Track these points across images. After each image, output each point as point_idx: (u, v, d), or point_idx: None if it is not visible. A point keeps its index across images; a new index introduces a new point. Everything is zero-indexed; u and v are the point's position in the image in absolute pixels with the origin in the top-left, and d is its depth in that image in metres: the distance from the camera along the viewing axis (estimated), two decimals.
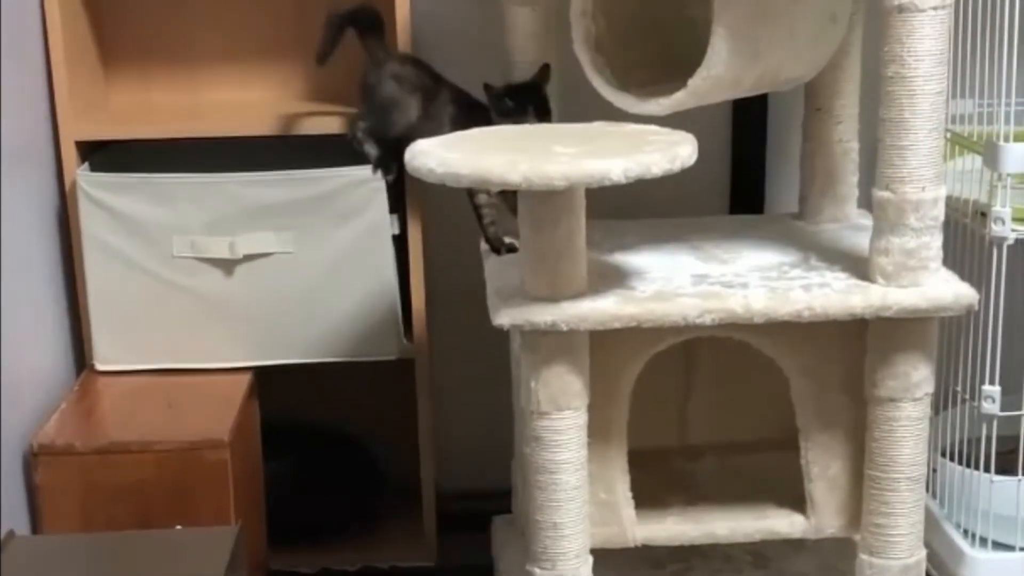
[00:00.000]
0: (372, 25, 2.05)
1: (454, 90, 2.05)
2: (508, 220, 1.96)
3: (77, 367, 2.19)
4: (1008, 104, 1.92)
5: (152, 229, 2.09)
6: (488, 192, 1.95)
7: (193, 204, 2.08)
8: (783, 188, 2.40)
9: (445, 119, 2.00)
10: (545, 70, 1.97)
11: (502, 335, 1.77)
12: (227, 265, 2.10)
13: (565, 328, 1.70)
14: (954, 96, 2.02)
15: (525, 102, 1.95)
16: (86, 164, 2.12)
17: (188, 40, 2.33)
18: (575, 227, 1.70)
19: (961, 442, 2.14)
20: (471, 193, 1.96)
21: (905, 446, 1.78)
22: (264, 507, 2.19)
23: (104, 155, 2.18)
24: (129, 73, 2.33)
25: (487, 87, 1.96)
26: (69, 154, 2.12)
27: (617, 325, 1.71)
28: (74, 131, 2.12)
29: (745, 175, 2.41)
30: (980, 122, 2.04)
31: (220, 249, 2.09)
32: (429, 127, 1.94)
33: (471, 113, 1.98)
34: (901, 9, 1.64)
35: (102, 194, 2.07)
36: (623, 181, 1.59)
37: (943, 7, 1.65)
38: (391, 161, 2.04)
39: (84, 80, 2.20)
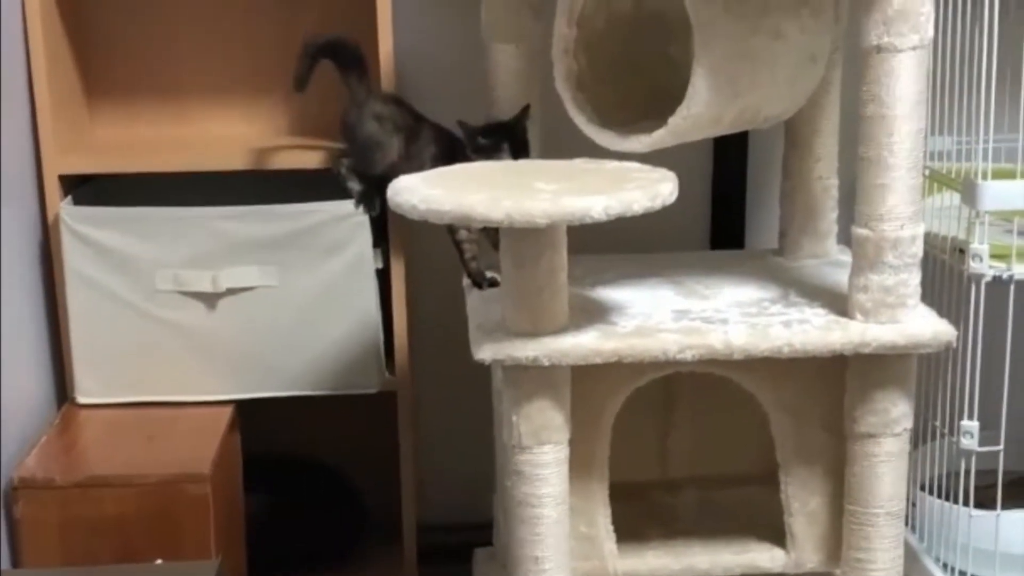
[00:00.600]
0: (353, 62, 2.06)
1: (436, 129, 2.06)
2: (490, 254, 1.97)
3: (58, 400, 2.18)
4: (986, 141, 1.93)
5: (135, 263, 2.09)
6: (468, 228, 1.96)
7: (176, 238, 2.08)
8: (763, 224, 2.41)
9: (426, 158, 2.01)
10: (525, 111, 1.98)
11: (484, 368, 1.77)
12: (210, 299, 2.10)
13: (547, 363, 1.70)
14: (932, 133, 2.04)
15: (499, 140, 1.96)
16: (69, 198, 2.12)
17: (172, 74, 2.33)
18: (557, 263, 1.71)
19: (940, 476, 2.14)
20: (452, 229, 1.96)
21: (884, 481, 1.79)
22: (245, 540, 2.18)
23: (88, 189, 2.18)
24: (113, 107, 2.33)
25: (461, 124, 1.97)
26: (52, 188, 2.12)
27: (598, 360, 1.72)
28: (58, 165, 2.12)
29: (725, 211, 2.42)
30: (958, 159, 2.05)
31: (203, 283, 2.09)
32: (411, 167, 1.94)
33: (453, 152, 1.99)
34: (879, 49, 1.66)
35: (85, 228, 2.07)
36: (604, 219, 1.60)
37: (921, 47, 1.67)
38: (374, 196, 2.05)
39: (68, 113, 2.20)
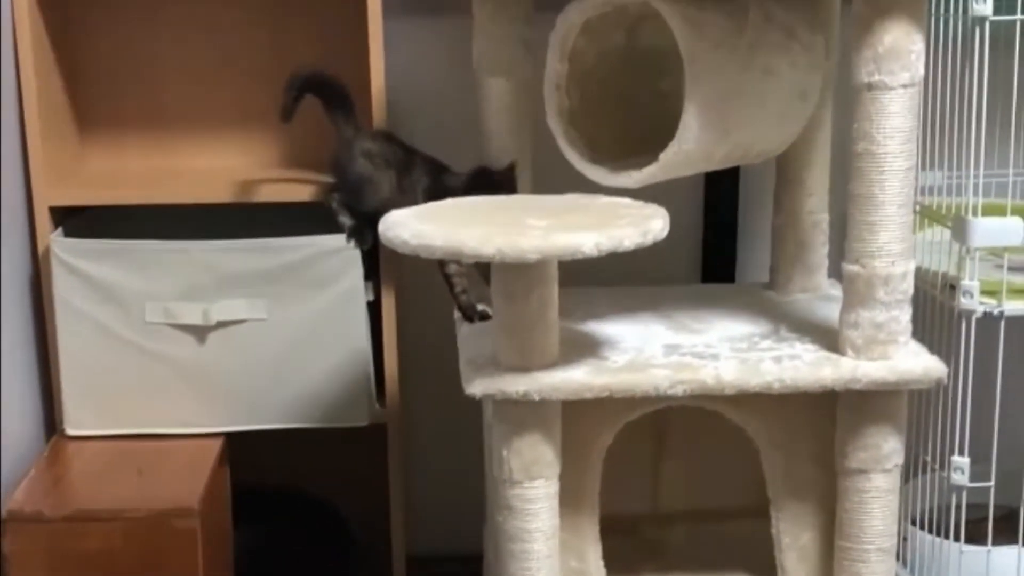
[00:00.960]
0: (338, 99, 2.06)
1: (427, 160, 2.06)
2: (481, 287, 1.96)
3: (47, 432, 2.17)
4: (976, 176, 1.94)
5: (125, 295, 2.08)
6: (458, 261, 1.95)
7: (166, 271, 2.07)
8: (754, 257, 2.42)
9: (419, 191, 2.01)
10: (511, 169, 1.99)
11: (475, 401, 1.77)
12: (200, 332, 2.10)
13: (537, 398, 1.70)
14: (923, 167, 2.04)
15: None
16: (60, 229, 2.12)
17: (164, 106, 2.33)
18: (548, 298, 1.71)
19: (931, 509, 2.14)
20: (441, 263, 1.96)
21: (875, 517, 1.79)
22: (234, 573, 2.17)
23: (79, 220, 2.18)
24: (104, 138, 2.33)
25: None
26: (43, 219, 2.11)
27: (589, 395, 1.72)
28: (48, 196, 2.11)
29: (717, 244, 2.43)
30: (949, 193, 2.05)
31: (193, 316, 2.08)
32: (404, 200, 1.94)
33: (445, 183, 1.99)
34: (871, 87, 1.67)
35: (75, 260, 2.07)
36: (595, 255, 1.60)
37: (912, 85, 1.67)
38: (366, 230, 2.04)
39: (59, 145, 2.20)
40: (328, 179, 2.11)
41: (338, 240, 2.08)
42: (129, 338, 2.10)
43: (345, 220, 2.07)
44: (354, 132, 2.07)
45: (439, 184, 1.98)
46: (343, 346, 2.12)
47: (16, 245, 2.10)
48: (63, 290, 2.08)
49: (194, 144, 2.34)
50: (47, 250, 2.09)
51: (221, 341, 2.11)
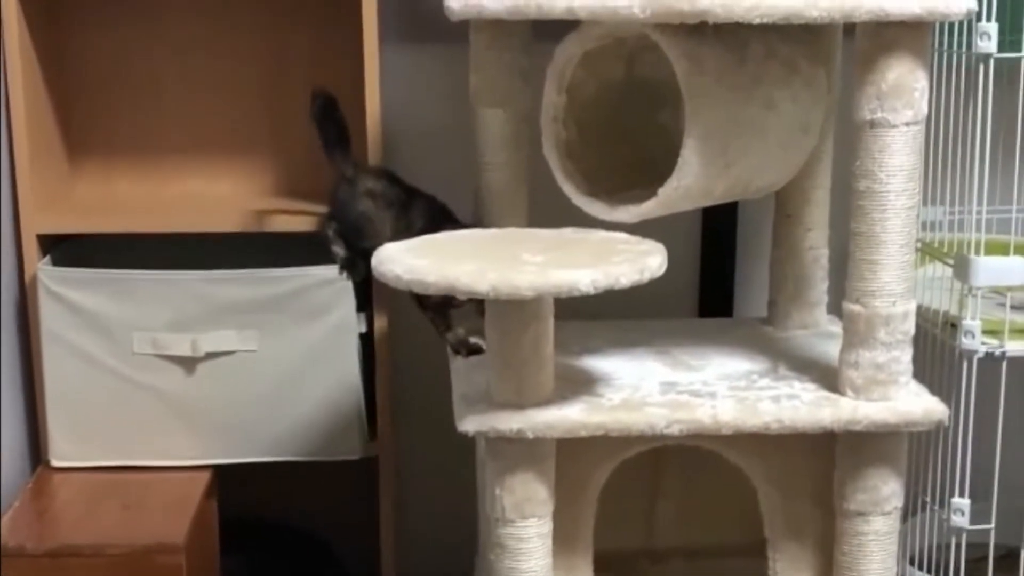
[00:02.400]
0: (339, 134, 2.03)
1: (426, 200, 2.03)
2: (474, 319, 1.94)
3: (33, 463, 2.15)
4: (979, 212, 1.92)
5: (113, 325, 2.06)
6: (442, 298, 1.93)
7: (155, 301, 2.05)
8: (752, 292, 2.39)
9: (415, 232, 1.98)
10: None
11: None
12: (189, 363, 2.07)
13: (531, 436, 1.68)
14: (924, 203, 2.02)
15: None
16: (47, 258, 2.09)
17: (155, 133, 2.31)
18: (543, 334, 1.69)
19: (930, 548, 2.12)
20: (421, 304, 1.93)
21: (874, 560, 1.76)
22: None
23: (68, 247, 2.16)
24: (95, 165, 2.31)
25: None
26: (30, 247, 2.09)
27: (584, 434, 1.70)
28: (36, 224, 2.09)
29: (714, 278, 2.41)
30: (950, 229, 2.03)
31: (182, 347, 2.06)
32: (402, 239, 1.92)
33: (443, 225, 1.96)
34: (873, 124, 1.65)
35: (62, 289, 2.05)
36: (591, 292, 1.58)
37: (915, 123, 1.65)
38: (359, 262, 2.02)
39: (48, 172, 2.18)
40: (321, 210, 2.08)
41: (330, 271, 2.05)
42: (116, 369, 2.07)
43: (339, 251, 2.04)
44: (354, 170, 2.04)
45: (435, 225, 1.95)
46: (334, 378, 2.10)
47: (3, 273, 2.07)
48: (49, 319, 2.06)
49: (185, 172, 2.32)
50: (34, 278, 2.07)
51: (210, 372, 2.08)
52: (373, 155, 2.13)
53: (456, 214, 2.01)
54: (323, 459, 2.14)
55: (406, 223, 1.99)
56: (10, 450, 2.08)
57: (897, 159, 1.65)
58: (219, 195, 2.31)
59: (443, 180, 2.06)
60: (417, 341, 2.27)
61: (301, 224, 2.11)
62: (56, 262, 2.10)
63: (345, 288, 2.06)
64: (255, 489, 2.23)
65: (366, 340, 2.15)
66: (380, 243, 1.92)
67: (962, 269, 1.93)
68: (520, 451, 1.69)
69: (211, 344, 2.06)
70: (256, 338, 2.07)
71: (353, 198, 2.02)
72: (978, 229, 1.93)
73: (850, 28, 1.69)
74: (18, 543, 1.88)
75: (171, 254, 2.12)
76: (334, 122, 2.02)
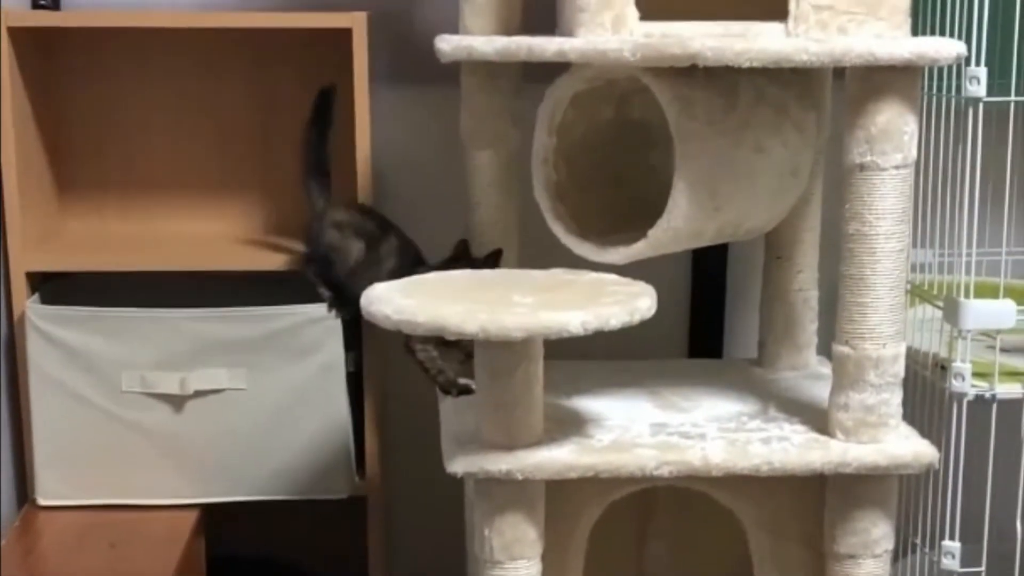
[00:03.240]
0: (319, 167, 2.04)
1: (402, 241, 2.04)
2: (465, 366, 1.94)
3: (19, 500, 2.13)
4: (968, 255, 1.92)
5: (101, 363, 2.05)
6: (424, 344, 1.93)
7: (144, 339, 2.04)
8: (742, 332, 2.39)
9: (384, 270, 1.98)
10: (497, 256, 1.97)
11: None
12: (177, 401, 2.06)
13: (520, 477, 1.67)
14: (914, 245, 2.02)
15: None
16: (36, 295, 2.09)
17: (145, 171, 2.30)
18: (532, 376, 1.68)
19: None
20: (408, 347, 1.93)
21: None
22: None
23: (56, 285, 2.15)
24: (84, 203, 2.31)
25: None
26: (19, 285, 2.08)
27: (574, 475, 1.69)
28: (25, 261, 2.09)
29: (704, 318, 2.40)
30: (940, 271, 2.03)
31: (170, 385, 2.05)
32: (369, 273, 1.93)
33: (415, 269, 1.96)
34: (863, 168, 1.65)
35: (50, 327, 2.04)
36: (581, 333, 1.57)
37: (905, 166, 1.65)
38: (347, 300, 2.02)
39: (38, 209, 2.18)
40: (302, 250, 2.08)
41: (319, 309, 2.05)
42: (104, 407, 2.06)
43: (324, 291, 2.04)
44: (325, 203, 2.06)
45: (407, 272, 1.93)
46: (323, 416, 2.09)
47: None
48: (37, 357, 2.05)
49: (175, 210, 2.31)
50: (23, 316, 2.06)
51: (199, 411, 2.07)
52: (363, 195, 2.12)
53: (428, 258, 2.03)
54: (311, 498, 2.12)
55: (376, 256, 2.00)
56: None
57: (887, 202, 1.65)
58: (208, 233, 2.30)
59: (433, 220, 2.06)
60: (406, 379, 2.27)
61: (289, 262, 2.11)
62: (45, 300, 2.09)
63: (333, 327, 2.06)
64: (243, 527, 2.22)
65: (355, 379, 2.15)
66: (348, 274, 1.93)
67: (952, 312, 1.93)
68: (509, 492, 1.68)
69: (200, 382, 2.05)
70: (245, 376, 2.06)
71: (320, 232, 2.04)
72: (968, 272, 1.92)
73: (840, 71, 1.69)
74: None
75: (160, 292, 2.11)
76: (320, 149, 2.05)
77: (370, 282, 1.73)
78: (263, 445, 2.10)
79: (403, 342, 1.91)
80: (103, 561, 1.95)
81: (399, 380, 2.30)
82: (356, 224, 2.04)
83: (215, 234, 2.30)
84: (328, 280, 2.05)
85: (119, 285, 2.15)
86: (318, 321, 2.05)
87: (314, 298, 2.06)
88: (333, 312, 2.04)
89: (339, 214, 2.05)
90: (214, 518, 2.14)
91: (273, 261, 2.13)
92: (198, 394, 2.06)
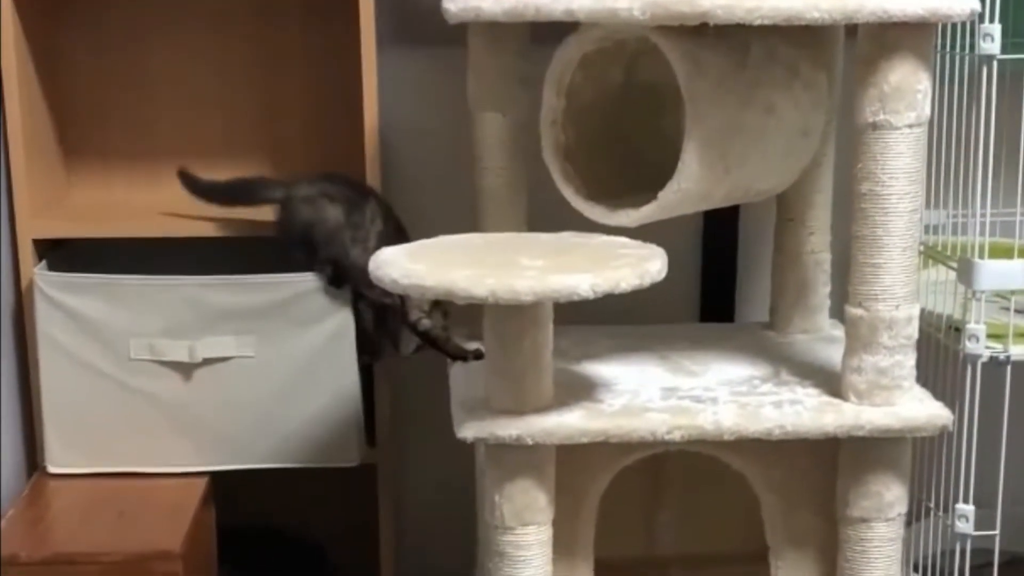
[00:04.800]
0: (244, 188, 2.07)
1: (383, 204, 2.03)
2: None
3: (29, 469, 2.13)
4: (983, 215, 1.90)
5: (109, 331, 2.03)
6: (420, 307, 1.92)
7: (152, 307, 2.03)
8: (753, 296, 2.38)
9: (372, 233, 1.97)
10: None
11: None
12: (185, 369, 2.05)
13: (531, 443, 1.66)
14: (927, 207, 2.01)
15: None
16: (44, 262, 2.08)
17: (152, 138, 2.29)
18: (542, 340, 1.68)
19: (934, 555, 2.10)
20: (412, 324, 1.92)
21: (877, 567, 1.75)
22: None
23: (64, 252, 2.14)
24: (91, 170, 2.29)
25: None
26: (26, 252, 2.07)
27: (584, 440, 1.68)
28: (32, 228, 2.08)
29: (715, 283, 2.39)
30: (953, 232, 2.02)
31: (179, 353, 2.04)
32: (357, 237, 1.94)
33: (399, 235, 1.95)
34: (875, 127, 1.63)
35: (59, 294, 2.03)
36: (591, 297, 1.57)
37: (918, 125, 1.64)
38: (346, 272, 2.00)
39: (44, 177, 2.16)
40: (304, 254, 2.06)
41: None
42: (113, 375, 2.05)
43: (321, 273, 2.02)
44: (285, 189, 2.04)
45: (395, 239, 1.91)
46: (332, 385, 2.08)
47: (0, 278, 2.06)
48: (45, 324, 2.04)
49: None
50: (31, 283, 2.05)
51: (207, 379, 2.06)
52: (370, 160, 2.11)
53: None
54: (320, 466, 2.12)
55: (359, 218, 1.97)
56: (6, 457, 2.06)
57: (900, 161, 1.64)
58: None
59: (441, 184, 2.04)
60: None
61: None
62: (52, 267, 2.08)
63: (341, 295, 2.04)
64: (253, 496, 2.21)
65: None
66: (330, 239, 1.91)
67: (966, 273, 1.92)
68: (520, 458, 1.68)
69: (208, 350, 2.04)
70: (253, 344, 2.05)
71: (291, 215, 2.02)
72: (982, 232, 1.91)
73: (852, 30, 1.67)
74: (12, 551, 1.85)
75: (168, 260, 2.11)
76: (232, 190, 2.07)
77: (363, 247, 1.71)
78: (272, 413, 2.08)
79: (403, 322, 1.90)
80: (112, 529, 1.94)
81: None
82: (328, 192, 2.01)
83: None
84: (318, 260, 2.03)
85: (127, 253, 2.14)
86: (326, 289, 2.04)
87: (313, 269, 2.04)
88: (337, 288, 2.03)
89: (304, 189, 2.02)
90: (223, 487, 2.13)
91: None
92: (206, 362, 2.05)
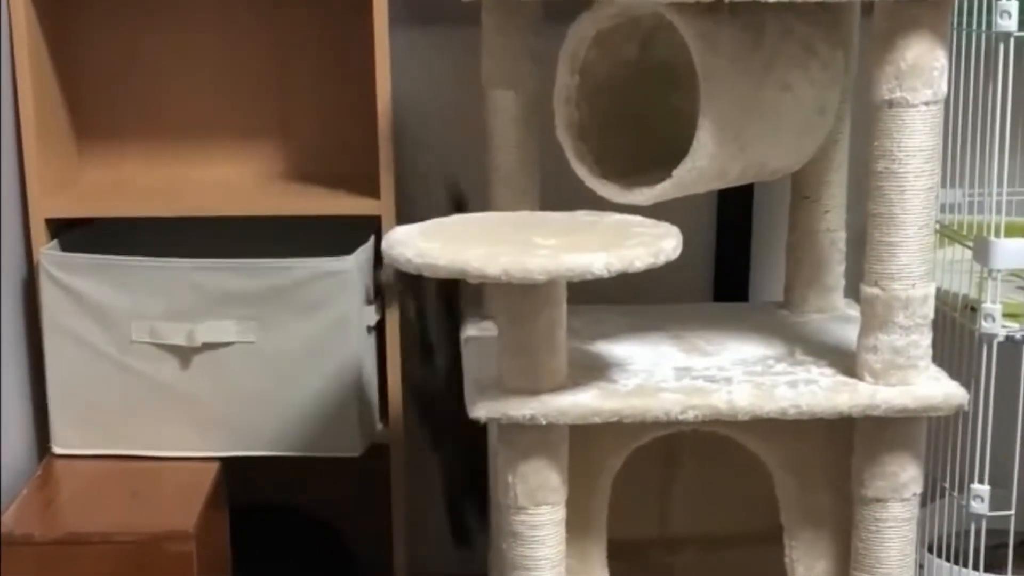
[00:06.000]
0: None
1: None
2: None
3: (40, 451, 2.12)
4: (999, 194, 1.89)
5: (112, 313, 2.02)
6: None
7: (153, 289, 2.02)
8: (768, 275, 2.37)
9: None
10: None
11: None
12: (185, 353, 2.03)
13: (544, 422, 1.65)
14: (943, 185, 2.00)
15: None
16: (53, 242, 2.07)
17: (165, 117, 2.29)
18: (555, 319, 1.67)
19: (949, 535, 2.10)
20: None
21: (892, 547, 1.74)
22: None
23: (79, 233, 2.14)
24: (103, 149, 2.29)
25: None
26: (38, 231, 2.07)
27: (598, 420, 1.67)
28: (44, 208, 2.08)
29: (729, 262, 2.38)
30: (969, 211, 2.01)
31: (178, 337, 2.02)
32: None
33: None
34: (892, 104, 1.62)
35: (63, 274, 2.02)
36: (605, 275, 1.56)
37: (935, 102, 1.62)
38: None
39: (56, 155, 2.16)
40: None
41: (331, 263, 2.01)
42: (115, 357, 2.04)
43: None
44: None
45: None
46: (335, 373, 2.06)
47: (10, 258, 2.06)
48: (50, 305, 2.04)
49: (195, 155, 2.30)
50: (39, 263, 2.04)
51: (208, 363, 2.04)
52: (383, 139, 2.10)
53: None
54: (322, 455, 2.10)
55: None
56: (15, 437, 2.06)
57: (916, 139, 1.62)
58: (229, 178, 2.29)
59: (453, 163, 2.03)
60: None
61: (309, 207, 2.10)
62: (67, 247, 2.07)
63: (345, 280, 2.02)
64: (265, 476, 2.20)
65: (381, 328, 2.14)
66: None
67: (982, 252, 1.90)
68: (533, 438, 1.67)
69: (208, 335, 2.02)
70: (255, 330, 2.03)
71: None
72: (998, 211, 1.90)
73: (868, 7, 1.66)
74: (25, 532, 1.86)
75: (183, 242, 2.09)
76: None
77: None
78: (274, 400, 2.06)
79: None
80: (125, 510, 1.94)
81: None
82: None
83: (237, 179, 2.29)
84: None
85: (142, 234, 2.13)
86: (330, 275, 2.01)
87: (332, 251, 2.03)
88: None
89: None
90: (236, 467, 2.12)
91: (295, 206, 2.12)
92: (207, 347, 2.03)
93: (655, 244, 1.60)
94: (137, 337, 2.03)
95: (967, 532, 2.00)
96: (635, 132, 1.88)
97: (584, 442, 1.72)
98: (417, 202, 2.09)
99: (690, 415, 1.68)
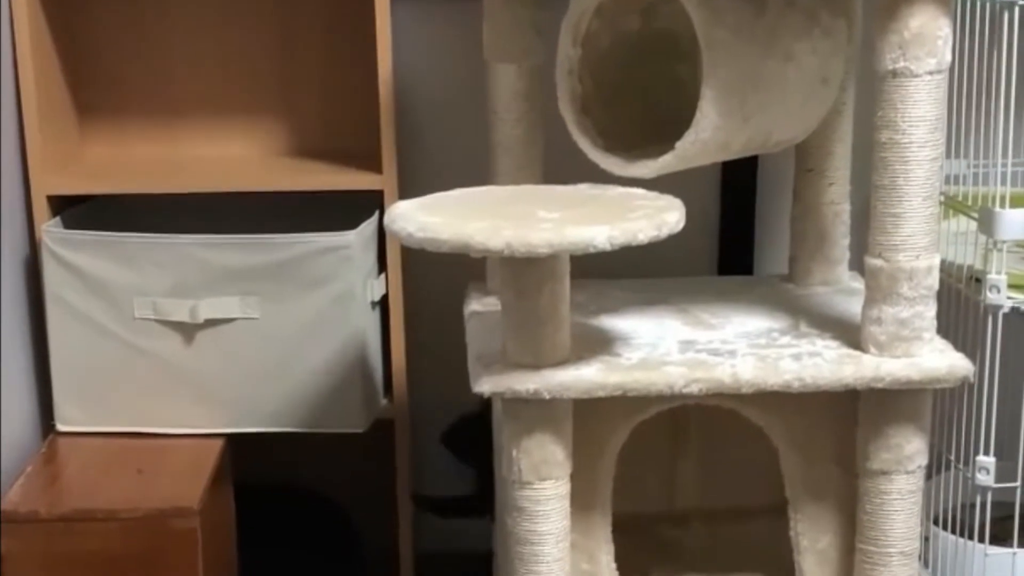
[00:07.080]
0: None
1: None
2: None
3: (44, 429, 2.12)
4: (1004, 165, 1.88)
5: (114, 289, 2.02)
6: None
7: (155, 265, 2.01)
8: (772, 248, 2.37)
9: None
10: None
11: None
12: (188, 330, 2.03)
13: (548, 396, 1.65)
14: (947, 156, 1.98)
15: None
16: (55, 220, 2.07)
17: (167, 93, 2.28)
18: (559, 293, 1.66)
19: (954, 508, 2.10)
20: None
21: (897, 520, 1.74)
22: (238, 574, 2.13)
23: (81, 210, 2.13)
24: (105, 126, 2.29)
25: None
26: (40, 208, 2.07)
27: (602, 394, 1.67)
28: (46, 185, 2.07)
29: (734, 235, 2.38)
30: (974, 182, 2.00)
31: (181, 313, 2.02)
32: None
33: None
34: (895, 74, 1.61)
35: (64, 251, 2.01)
36: (608, 248, 1.55)
37: (939, 71, 1.61)
38: None
39: (58, 132, 2.16)
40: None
41: (333, 238, 2.01)
42: (118, 334, 2.04)
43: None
44: None
45: None
46: (339, 349, 2.05)
47: (13, 235, 2.05)
48: (53, 282, 2.03)
49: (197, 132, 2.29)
50: (41, 240, 2.04)
51: (211, 340, 2.04)
52: (385, 113, 2.09)
53: None
54: (325, 431, 2.10)
55: None
56: (19, 415, 2.06)
57: (920, 109, 1.61)
58: (231, 155, 2.29)
59: (456, 137, 2.03)
60: (433, 303, 2.26)
61: (312, 183, 2.09)
62: (69, 224, 2.07)
63: (349, 256, 2.02)
64: (269, 454, 2.20)
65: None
66: None
67: (987, 222, 1.90)
68: (537, 412, 1.67)
69: (211, 311, 2.02)
70: (258, 305, 2.03)
71: None
72: (1003, 182, 1.89)
73: None
74: (31, 508, 1.86)
75: (186, 218, 2.09)
76: None
77: None
78: (277, 376, 2.06)
79: None
80: (130, 486, 1.94)
81: (426, 303, 2.29)
82: None
83: (239, 156, 2.28)
84: None
85: (144, 210, 2.13)
86: (333, 250, 2.01)
87: (336, 227, 2.02)
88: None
89: None
90: (242, 444, 2.12)
91: (297, 182, 2.11)
92: (210, 323, 2.03)
93: (658, 217, 1.60)
94: (140, 314, 2.03)
95: (972, 505, 2.00)
96: (638, 104, 1.87)
97: (588, 416, 1.71)
98: (420, 177, 2.08)
99: (694, 388, 1.68)
